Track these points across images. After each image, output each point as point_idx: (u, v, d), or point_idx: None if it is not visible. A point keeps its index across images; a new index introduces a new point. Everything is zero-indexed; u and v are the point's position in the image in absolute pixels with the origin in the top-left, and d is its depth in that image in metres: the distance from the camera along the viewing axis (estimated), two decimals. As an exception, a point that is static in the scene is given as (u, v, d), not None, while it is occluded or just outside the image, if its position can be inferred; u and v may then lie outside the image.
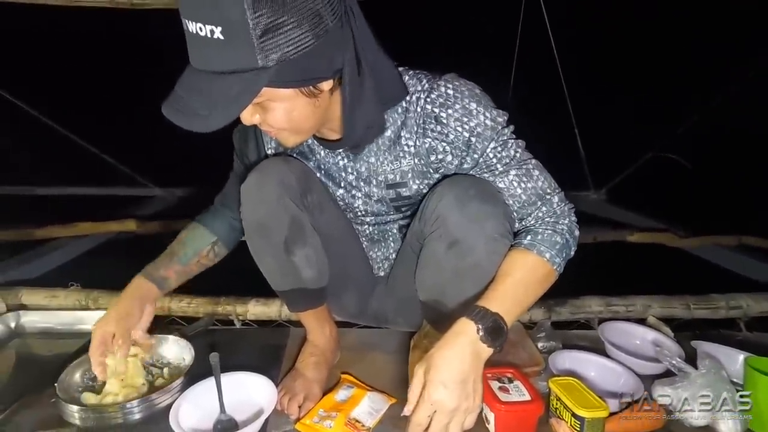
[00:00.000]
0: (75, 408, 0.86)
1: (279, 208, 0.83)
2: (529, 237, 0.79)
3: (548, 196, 0.79)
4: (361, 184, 0.89)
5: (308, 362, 1.00)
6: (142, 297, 0.93)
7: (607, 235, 2.00)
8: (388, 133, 0.83)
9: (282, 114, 0.69)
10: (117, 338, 0.88)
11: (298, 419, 0.89)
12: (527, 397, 0.81)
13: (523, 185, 0.78)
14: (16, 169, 2.33)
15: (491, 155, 0.78)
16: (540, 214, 0.79)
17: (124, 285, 1.30)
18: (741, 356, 0.99)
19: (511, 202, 0.80)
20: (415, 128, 0.80)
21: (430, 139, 0.80)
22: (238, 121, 0.68)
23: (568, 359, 1.02)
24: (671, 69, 2.24)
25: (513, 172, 0.78)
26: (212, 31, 0.57)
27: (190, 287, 1.10)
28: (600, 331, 1.12)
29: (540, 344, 1.12)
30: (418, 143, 0.81)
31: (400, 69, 0.81)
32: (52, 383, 0.91)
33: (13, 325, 1.23)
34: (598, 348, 1.09)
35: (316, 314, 1.01)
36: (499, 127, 0.78)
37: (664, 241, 1.94)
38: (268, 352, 1.13)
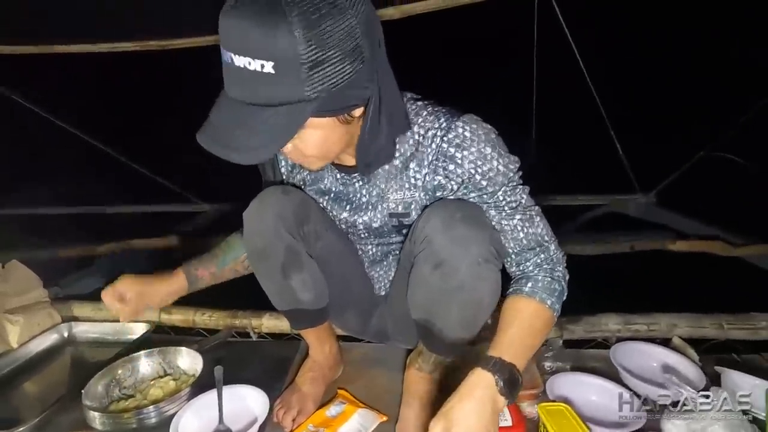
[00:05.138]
0: (96, 414, 0.97)
1: (275, 239, 0.88)
2: (530, 284, 0.80)
3: (546, 244, 0.82)
4: (369, 207, 0.90)
5: (306, 377, 1.04)
6: (170, 289, 0.99)
7: (646, 243, 1.84)
8: (397, 162, 0.84)
9: (316, 141, 0.71)
10: (131, 306, 0.95)
11: (290, 432, 0.93)
12: (508, 423, 0.79)
13: (525, 230, 0.80)
14: (86, 191, 2.64)
15: (501, 197, 0.80)
16: (538, 261, 0.81)
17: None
18: (769, 386, 0.88)
19: (512, 244, 0.81)
20: (426, 163, 0.81)
21: (440, 177, 0.81)
22: None
23: (567, 382, 0.97)
24: (720, 60, 2.03)
25: (518, 217, 0.80)
26: (263, 66, 0.59)
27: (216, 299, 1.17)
28: (612, 352, 1.04)
29: (547, 364, 1.07)
30: (426, 178, 0.82)
31: (419, 103, 0.82)
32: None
33: (66, 334, 1.40)
34: (610, 370, 1.02)
35: (317, 333, 1.05)
36: (511, 174, 0.79)
37: (714, 249, 1.75)
38: (276, 364, 1.19)
